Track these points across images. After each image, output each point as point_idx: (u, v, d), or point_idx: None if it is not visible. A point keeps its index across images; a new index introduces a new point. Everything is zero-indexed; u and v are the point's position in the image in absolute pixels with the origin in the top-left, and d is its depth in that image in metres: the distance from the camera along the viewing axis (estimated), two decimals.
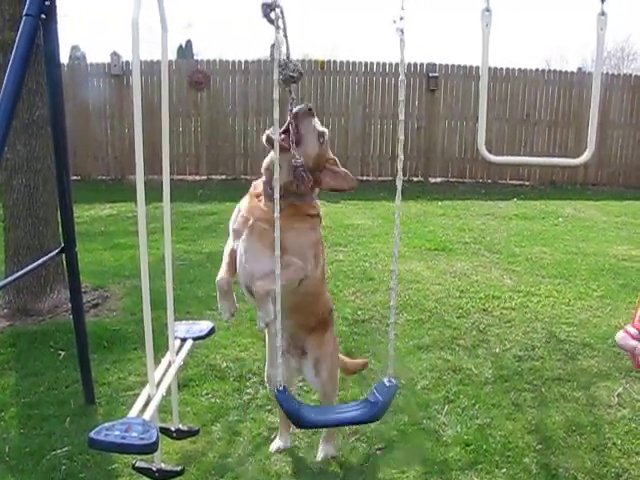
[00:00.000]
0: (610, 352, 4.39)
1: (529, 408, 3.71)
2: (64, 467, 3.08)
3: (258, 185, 2.68)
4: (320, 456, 3.15)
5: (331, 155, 2.72)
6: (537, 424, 3.54)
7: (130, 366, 4.11)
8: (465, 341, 4.60)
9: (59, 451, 3.18)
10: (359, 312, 5.12)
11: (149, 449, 2.14)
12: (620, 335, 3.09)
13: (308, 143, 2.59)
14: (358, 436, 3.34)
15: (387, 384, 2.43)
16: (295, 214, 2.59)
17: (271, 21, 2.13)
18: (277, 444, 3.22)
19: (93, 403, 3.68)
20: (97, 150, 12.12)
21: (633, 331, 3.02)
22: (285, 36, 2.20)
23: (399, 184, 2.23)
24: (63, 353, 4.31)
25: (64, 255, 3.53)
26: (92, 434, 2.12)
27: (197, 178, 12.28)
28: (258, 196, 2.66)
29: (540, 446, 3.33)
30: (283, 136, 2.49)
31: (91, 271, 5.76)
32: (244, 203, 2.71)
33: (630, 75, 14.17)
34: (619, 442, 3.36)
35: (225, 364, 4.14)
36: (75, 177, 10.81)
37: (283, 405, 2.47)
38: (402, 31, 2.09)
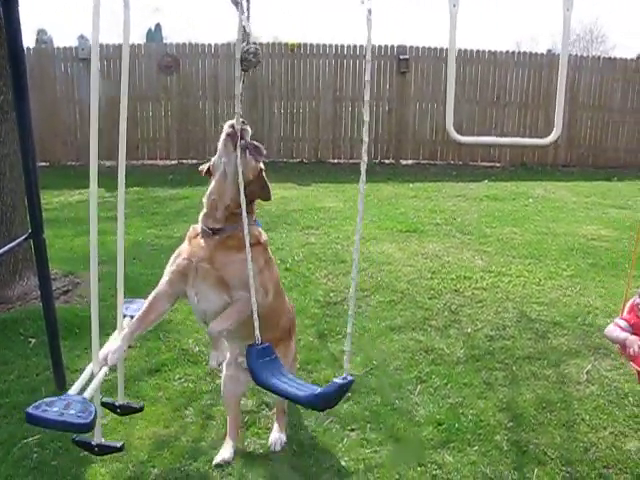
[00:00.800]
0: (580, 330, 4.47)
1: (500, 387, 3.76)
2: (35, 455, 3.06)
3: (197, 228, 2.70)
4: (270, 440, 3.13)
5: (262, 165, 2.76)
6: (508, 402, 3.60)
7: None
8: (437, 322, 4.64)
9: (30, 439, 3.15)
10: (331, 294, 5.14)
11: (86, 428, 2.11)
12: (610, 328, 3.10)
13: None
14: (331, 418, 3.36)
15: (341, 380, 2.34)
16: (236, 246, 2.55)
17: (236, 3, 2.13)
18: (222, 456, 3.04)
19: (64, 390, 3.64)
20: (66, 135, 11.90)
21: (623, 323, 3.05)
22: (248, 18, 2.20)
23: (363, 167, 2.14)
24: (33, 340, 4.26)
25: (32, 242, 3.48)
26: (30, 409, 2.05)
27: (168, 163, 12.12)
28: (196, 236, 2.67)
29: (511, 423, 3.38)
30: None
31: (61, 257, 5.70)
32: (184, 247, 2.71)
33: (599, 57, 14.32)
34: (588, 418, 3.43)
35: (198, 348, 4.13)
36: (44, 163, 10.65)
37: (250, 358, 2.49)
38: (369, 11, 2.07)
